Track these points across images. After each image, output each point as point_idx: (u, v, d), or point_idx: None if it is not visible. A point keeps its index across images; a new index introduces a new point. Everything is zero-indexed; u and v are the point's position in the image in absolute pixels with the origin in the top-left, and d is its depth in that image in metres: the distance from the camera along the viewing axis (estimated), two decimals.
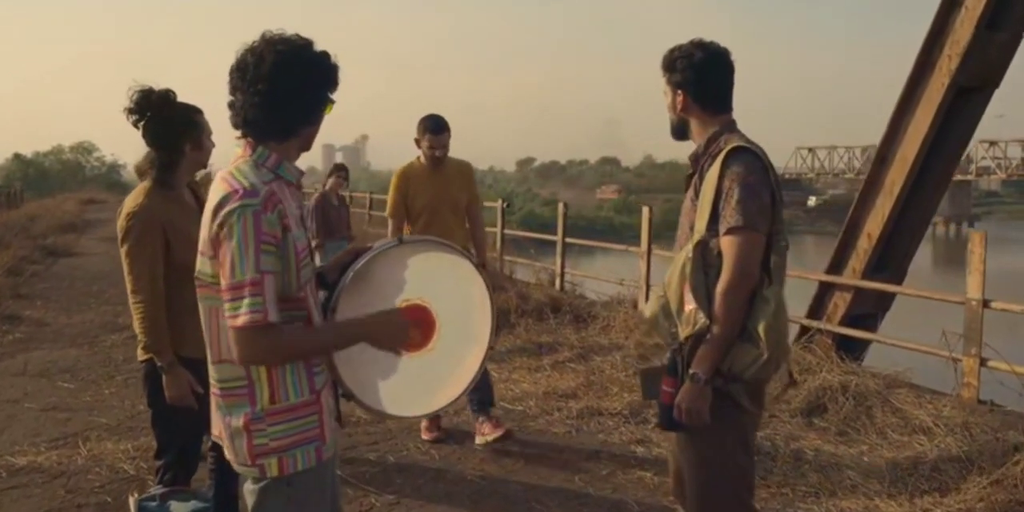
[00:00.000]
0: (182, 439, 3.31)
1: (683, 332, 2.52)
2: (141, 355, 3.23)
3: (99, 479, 4.51)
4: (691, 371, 2.48)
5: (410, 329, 2.23)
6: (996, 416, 5.13)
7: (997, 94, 6.94)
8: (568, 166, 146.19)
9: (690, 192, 2.65)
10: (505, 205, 13.08)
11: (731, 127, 2.63)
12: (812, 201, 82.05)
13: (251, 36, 2.12)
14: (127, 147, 3.23)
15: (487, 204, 12.19)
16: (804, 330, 7.12)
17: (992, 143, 66.50)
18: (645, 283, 8.89)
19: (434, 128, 4.89)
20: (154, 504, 3.21)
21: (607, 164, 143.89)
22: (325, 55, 2.13)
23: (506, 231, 12.48)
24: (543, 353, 7.35)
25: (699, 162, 2.64)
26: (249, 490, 2.13)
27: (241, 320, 1.95)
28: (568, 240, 10.91)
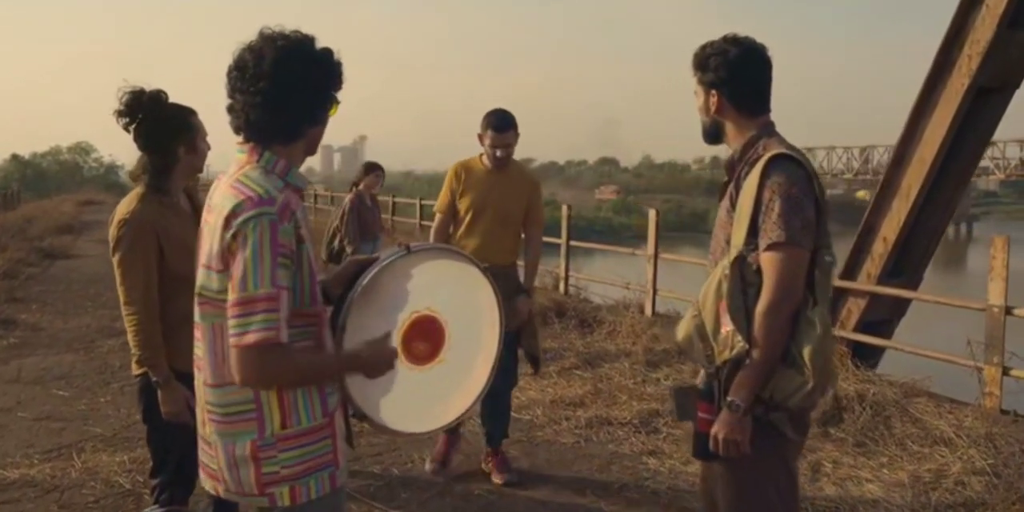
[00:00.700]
0: (179, 456, 3.16)
1: (721, 355, 2.32)
2: (136, 369, 3.08)
3: (94, 494, 4.35)
4: (729, 399, 2.28)
5: (398, 354, 2.14)
6: (1021, 427, 5.00)
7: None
8: (567, 166, 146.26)
9: (725, 202, 2.46)
10: None
11: (769, 130, 2.44)
12: None
13: (250, 36, 1.99)
14: (125, 148, 3.10)
15: None
16: None
17: (991, 143, 66.39)
18: (652, 287, 8.76)
19: (497, 125, 4.33)
20: None
21: (606, 164, 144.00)
22: (328, 52, 2.00)
23: None
24: (548, 359, 7.20)
25: (735, 169, 2.45)
26: None
27: (252, 338, 1.80)
28: (572, 243, 10.78)
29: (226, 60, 1.98)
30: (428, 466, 4.66)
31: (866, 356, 6.46)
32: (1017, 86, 6.64)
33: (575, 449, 5.09)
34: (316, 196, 28.88)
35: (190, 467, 3.20)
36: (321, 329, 2.00)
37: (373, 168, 8.05)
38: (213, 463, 2.01)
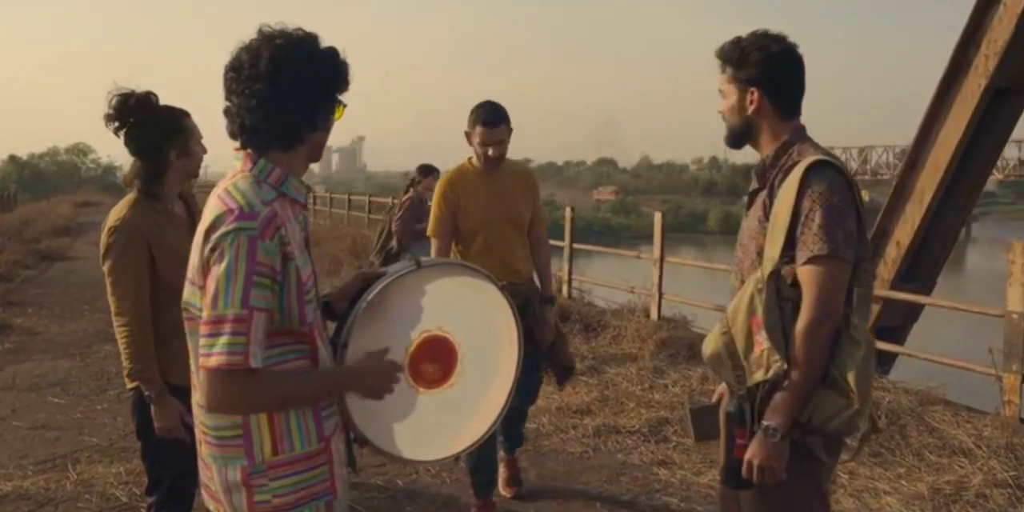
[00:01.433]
0: (175, 473, 3.03)
1: (754, 376, 2.17)
2: (129, 383, 2.96)
3: (89, 507, 4.23)
4: (765, 423, 2.13)
5: (399, 372, 1.99)
6: None
7: None
8: (565, 167, 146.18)
9: (755, 211, 2.30)
10: None
11: (802, 134, 2.29)
12: None
13: (250, 34, 1.85)
14: (123, 149, 2.95)
15: None
16: None
17: None
18: (658, 291, 8.62)
19: (487, 119, 3.78)
20: None
21: (604, 165, 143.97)
22: (332, 51, 1.85)
23: None
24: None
25: (767, 176, 2.29)
26: None
27: (214, 360, 1.68)
28: (575, 245, 10.65)
29: (226, 59, 1.85)
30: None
31: (879, 362, 6.33)
32: None
33: (583, 459, 4.96)
34: (315, 198, 28.75)
35: (187, 484, 3.09)
36: (314, 347, 1.86)
37: (431, 170, 8.06)
38: (212, 484, 1.89)
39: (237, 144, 1.89)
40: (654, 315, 8.57)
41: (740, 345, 2.19)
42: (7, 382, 6.84)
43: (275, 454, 1.81)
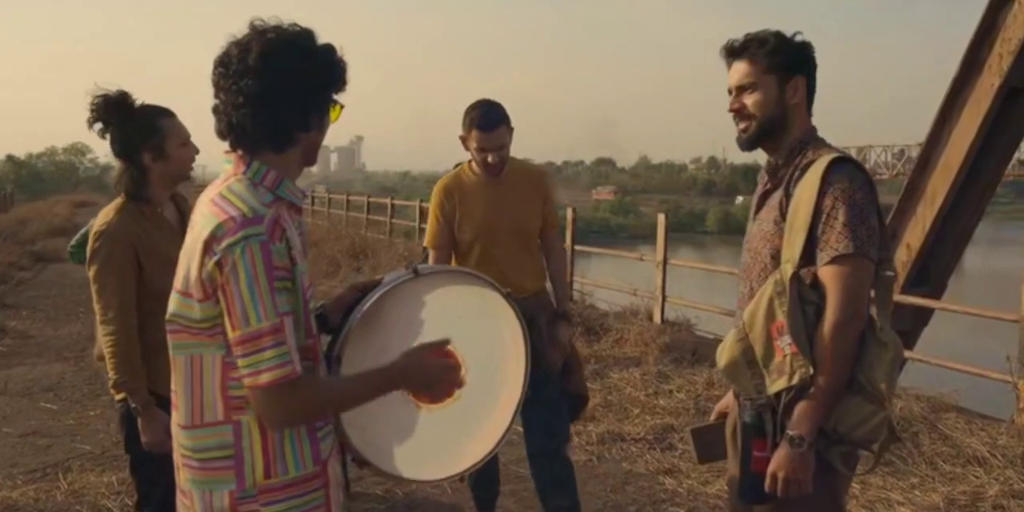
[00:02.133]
0: (165, 489, 2.89)
1: (775, 384, 2.06)
2: (116, 394, 2.83)
3: None
4: (790, 433, 2.03)
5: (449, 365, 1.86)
6: None
7: None
8: (564, 167, 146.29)
9: (767, 213, 2.20)
10: None
11: (815, 134, 2.21)
12: None
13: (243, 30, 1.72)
14: None
15: None
16: None
17: None
18: (661, 294, 8.50)
19: (483, 123, 3.32)
20: None
21: (602, 165, 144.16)
22: (329, 48, 1.72)
23: None
24: None
25: (779, 175, 2.20)
26: None
27: (267, 377, 1.57)
28: (577, 247, 10.53)
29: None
30: None
31: None
32: None
33: (588, 467, 4.83)
34: (313, 198, 28.63)
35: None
36: (316, 364, 1.75)
37: None
38: None
39: (224, 148, 1.77)
40: (657, 318, 8.45)
41: (759, 352, 2.10)
42: None
43: (267, 477, 1.68)
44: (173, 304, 1.71)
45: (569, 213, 10.72)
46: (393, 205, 19.98)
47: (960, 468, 4.52)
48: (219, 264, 1.59)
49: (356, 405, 1.77)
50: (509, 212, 3.44)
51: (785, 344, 2.04)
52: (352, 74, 1.78)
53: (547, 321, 3.43)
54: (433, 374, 1.82)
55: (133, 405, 2.76)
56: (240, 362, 1.60)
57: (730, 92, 2.23)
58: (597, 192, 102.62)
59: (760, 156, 2.28)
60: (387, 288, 1.91)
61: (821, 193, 2.04)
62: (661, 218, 8.75)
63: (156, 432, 2.74)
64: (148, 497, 2.95)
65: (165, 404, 2.65)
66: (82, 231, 3.08)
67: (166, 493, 2.88)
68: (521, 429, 3.37)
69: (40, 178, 74.88)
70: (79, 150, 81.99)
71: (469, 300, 2.08)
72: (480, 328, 2.10)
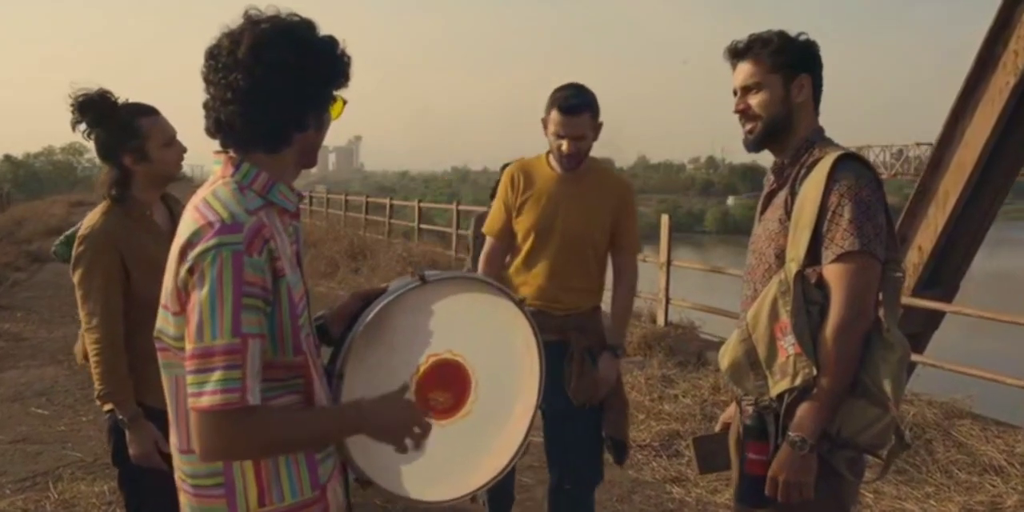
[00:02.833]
0: (154, 505, 2.77)
1: (778, 385, 2.03)
2: (103, 405, 2.70)
3: None
4: (792, 435, 1.99)
5: (421, 416, 1.69)
6: None
7: None
8: None
9: (773, 212, 2.16)
10: None
11: (823, 134, 2.17)
12: None
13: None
14: None
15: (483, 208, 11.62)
16: None
17: None
18: (665, 296, 8.37)
19: (567, 105, 2.97)
20: None
21: (604, 165, 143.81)
22: (330, 40, 1.58)
23: None
24: None
25: (785, 174, 2.15)
26: None
27: (207, 400, 1.42)
28: None
29: None
30: None
31: None
32: None
33: None
34: (312, 198, 28.52)
35: None
36: (310, 381, 1.61)
37: None
38: None
39: (214, 148, 1.64)
40: (661, 321, 8.32)
41: (763, 353, 2.07)
42: None
43: (262, 505, 1.56)
44: (159, 319, 1.60)
45: None
46: (392, 205, 19.86)
47: (977, 477, 4.40)
48: (190, 271, 1.46)
49: (319, 446, 1.61)
50: (572, 215, 3.07)
51: (789, 344, 2.00)
52: (353, 71, 1.65)
53: (587, 348, 3.09)
54: (392, 426, 1.64)
55: (120, 417, 2.63)
56: (188, 379, 1.45)
57: (735, 93, 2.20)
58: None
59: (760, 156, 2.27)
60: (392, 297, 1.78)
61: (827, 190, 2.01)
62: (665, 219, 8.62)
63: (144, 445, 2.62)
64: (138, 511, 2.82)
65: (155, 415, 2.54)
66: (69, 231, 2.96)
67: (156, 508, 2.78)
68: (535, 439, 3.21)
69: (38, 178, 74.79)
70: (77, 150, 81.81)
71: (480, 309, 1.97)
72: (492, 337, 1.99)
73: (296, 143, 1.61)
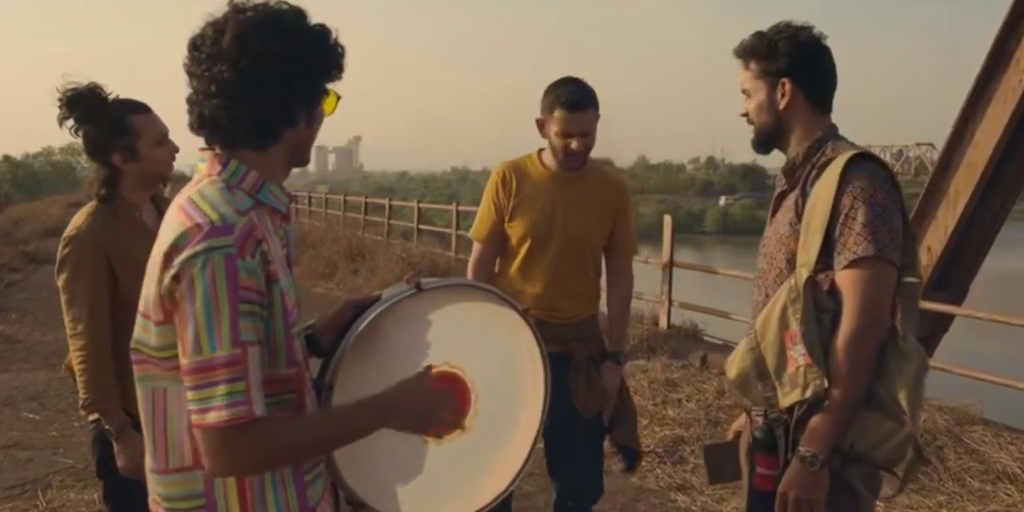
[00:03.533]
0: None
1: (788, 397, 1.93)
2: (87, 414, 2.59)
3: None
4: (803, 450, 1.89)
5: (446, 399, 1.64)
6: None
7: None
8: None
9: (783, 214, 2.07)
10: None
11: (835, 132, 2.07)
12: None
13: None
14: None
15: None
16: None
17: None
18: (667, 298, 8.26)
19: (571, 100, 2.82)
20: None
21: (601, 164, 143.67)
22: (321, 30, 1.47)
23: None
24: None
25: (796, 175, 2.06)
26: None
27: (214, 417, 1.31)
28: None
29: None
30: None
31: None
32: None
33: None
34: (311, 198, 28.43)
35: None
36: (302, 396, 1.50)
37: None
38: None
39: (199, 145, 1.53)
40: (663, 323, 8.21)
41: (771, 363, 1.97)
42: None
43: None
44: (137, 329, 1.48)
45: None
46: (391, 206, 19.75)
47: (990, 485, 4.30)
48: (176, 279, 1.35)
49: (336, 445, 1.52)
50: (572, 217, 2.92)
51: (799, 354, 1.91)
52: (350, 72, 1.53)
53: (588, 357, 2.98)
54: (419, 409, 1.56)
55: (107, 427, 2.52)
56: (188, 395, 1.35)
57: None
58: None
59: (760, 157, 2.22)
60: (385, 306, 1.67)
61: (839, 192, 1.91)
62: (668, 220, 8.51)
63: (133, 457, 2.50)
64: None
65: (140, 426, 2.43)
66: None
67: None
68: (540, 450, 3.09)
69: (37, 178, 74.72)
70: (76, 150, 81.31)
71: (480, 318, 1.85)
72: (493, 348, 1.88)
73: (286, 139, 1.50)
